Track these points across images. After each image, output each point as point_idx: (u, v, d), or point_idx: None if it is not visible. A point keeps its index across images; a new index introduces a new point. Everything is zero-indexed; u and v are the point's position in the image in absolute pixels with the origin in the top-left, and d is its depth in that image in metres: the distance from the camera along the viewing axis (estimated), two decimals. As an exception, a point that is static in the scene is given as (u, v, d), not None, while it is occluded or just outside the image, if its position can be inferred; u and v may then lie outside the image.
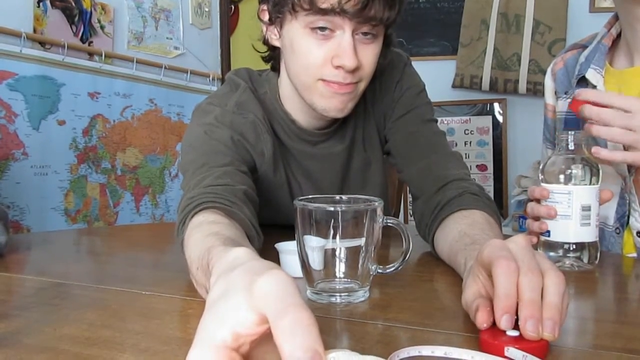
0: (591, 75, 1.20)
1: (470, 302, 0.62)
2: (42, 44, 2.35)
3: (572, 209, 0.92)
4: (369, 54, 1.02)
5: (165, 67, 2.90)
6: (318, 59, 1.00)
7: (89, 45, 2.54)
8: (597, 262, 0.94)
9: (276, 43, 1.10)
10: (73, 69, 2.44)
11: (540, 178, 0.97)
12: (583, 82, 1.23)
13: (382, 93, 1.23)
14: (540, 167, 0.98)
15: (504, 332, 0.54)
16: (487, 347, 0.54)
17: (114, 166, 2.66)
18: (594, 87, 1.20)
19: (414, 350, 0.54)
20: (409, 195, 3.24)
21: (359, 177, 1.28)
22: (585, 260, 0.93)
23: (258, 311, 0.39)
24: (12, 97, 2.21)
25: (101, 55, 2.57)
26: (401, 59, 1.25)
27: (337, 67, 0.99)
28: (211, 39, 3.30)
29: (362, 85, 1.05)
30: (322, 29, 0.97)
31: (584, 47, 1.30)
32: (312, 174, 1.24)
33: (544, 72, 3.10)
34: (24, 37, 2.23)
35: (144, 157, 2.79)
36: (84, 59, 2.52)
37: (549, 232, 0.95)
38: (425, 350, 0.54)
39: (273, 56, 1.16)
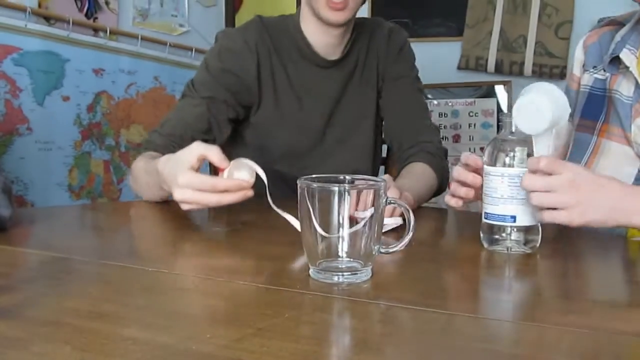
0: (625, 55, 1.17)
1: None
2: (47, 19, 2.34)
3: (515, 191, 0.89)
4: None
5: (170, 45, 2.89)
6: None
7: (93, 21, 2.53)
8: (537, 246, 0.91)
9: None
10: (78, 45, 2.44)
11: (483, 160, 0.93)
12: (616, 61, 1.21)
13: (388, 50, 1.54)
14: (489, 149, 0.93)
15: None
16: None
17: (117, 143, 2.66)
18: (627, 67, 1.17)
19: None
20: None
21: (351, 108, 1.53)
22: (523, 243, 0.90)
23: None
24: (17, 72, 2.21)
25: (106, 32, 2.57)
26: (404, 34, 1.58)
27: None
28: (216, 16, 3.29)
29: (352, 0, 1.33)
30: None
31: (622, 24, 1.26)
32: (312, 92, 1.49)
33: (550, 55, 3.09)
34: (29, 12, 2.22)
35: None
36: (88, 35, 2.51)
37: (489, 214, 0.91)
38: None
39: None
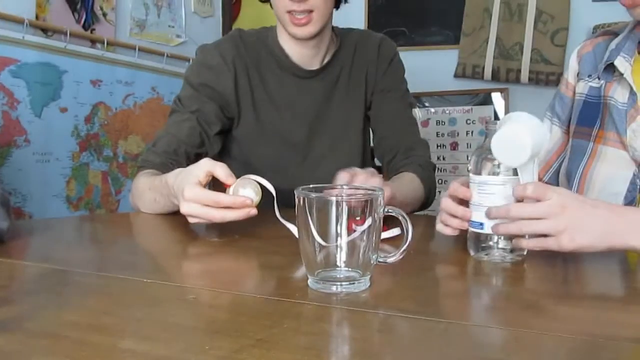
0: (619, 62, 1.18)
1: None
2: (45, 30, 2.34)
3: (489, 199, 0.89)
4: None
5: (167, 55, 2.89)
6: None
7: (91, 32, 2.54)
8: (524, 253, 0.91)
9: None
10: (75, 56, 2.44)
11: (469, 169, 0.93)
12: (610, 68, 1.22)
13: (379, 60, 1.55)
14: (474, 158, 0.93)
15: None
16: None
17: (115, 154, 2.66)
18: (621, 74, 1.18)
19: None
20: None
21: (336, 119, 1.54)
22: (510, 250, 0.90)
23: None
24: (15, 83, 2.21)
25: (103, 43, 2.57)
26: (394, 44, 1.61)
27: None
28: (213, 27, 3.29)
29: (316, 14, 1.35)
30: None
31: (616, 34, 1.28)
32: (293, 104, 1.51)
33: (546, 62, 3.10)
34: (27, 24, 2.23)
35: (146, 145, 2.79)
36: (86, 47, 2.52)
37: (481, 224, 0.91)
38: None
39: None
